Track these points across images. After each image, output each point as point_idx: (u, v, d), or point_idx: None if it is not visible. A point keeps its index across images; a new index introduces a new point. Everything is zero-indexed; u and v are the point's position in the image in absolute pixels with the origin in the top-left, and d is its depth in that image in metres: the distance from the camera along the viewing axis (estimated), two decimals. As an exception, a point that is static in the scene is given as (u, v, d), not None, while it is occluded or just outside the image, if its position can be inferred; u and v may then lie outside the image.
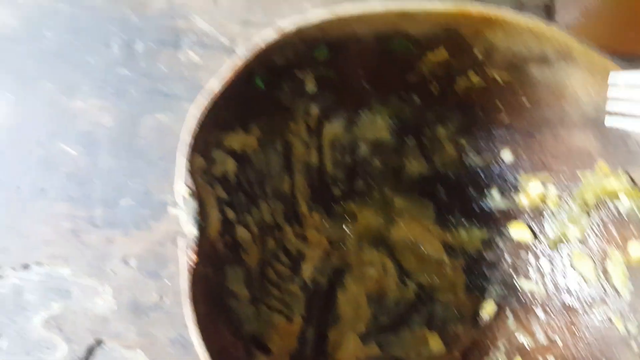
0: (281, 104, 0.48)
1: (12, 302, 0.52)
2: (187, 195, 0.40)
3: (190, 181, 0.40)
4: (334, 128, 0.52)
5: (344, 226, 0.53)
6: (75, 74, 0.59)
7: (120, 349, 0.52)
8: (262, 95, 0.43)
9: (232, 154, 0.46)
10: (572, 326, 0.46)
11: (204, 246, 0.39)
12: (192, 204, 0.40)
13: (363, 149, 0.53)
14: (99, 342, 0.53)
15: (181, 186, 0.39)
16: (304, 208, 0.52)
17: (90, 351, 0.52)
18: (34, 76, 0.58)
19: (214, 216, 0.43)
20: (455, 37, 0.42)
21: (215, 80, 0.39)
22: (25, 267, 0.53)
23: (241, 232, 0.47)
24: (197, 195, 0.40)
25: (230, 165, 0.46)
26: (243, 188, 0.47)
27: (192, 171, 0.40)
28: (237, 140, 0.46)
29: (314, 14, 0.39)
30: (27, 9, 0.60)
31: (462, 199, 0.54)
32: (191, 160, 0.40)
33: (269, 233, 0.49)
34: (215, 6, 0.60)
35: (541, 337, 0.48)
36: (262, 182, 0.49)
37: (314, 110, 0.50)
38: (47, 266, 0.54)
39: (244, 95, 0.42)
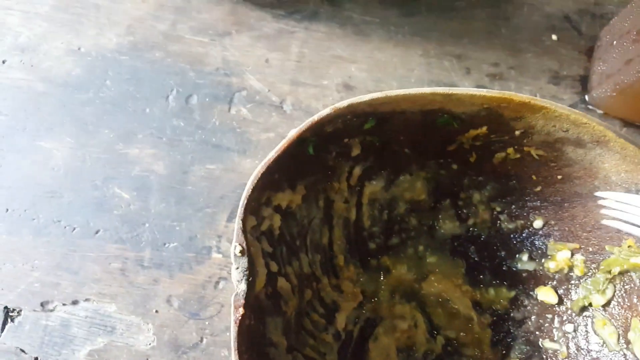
0: (327, 165, 0.51)
1: (60, 335, 0.55)
2: (238, 254, 0.42)
3: (242, 240, 0.42)
4: (373, 187, 0.55)
5: (378, 279, 0.55)
6: (133, 123, 0.62)
7: (161, 386, 0.53)
8: (311, 159, 0.46)
9: (279, 210, 0.48)
10: (593, 387, 0.46)
11: (249, 299, 0.41)
12: (243, 262, 0.42)
13: (400, 207, 0.56)
14: (140, 379, 0.53)
15: (235, 245, 0.41)
16: (340, 260, 0.54)
17: (132, 387, 0.53)
18: (94, 123, 0.62)
19: (261, 272, 0.45)
20: (497, 118, 0.44)
21: (272, 152, 0.42)
22: (74, 302, 0.56)
23: (282, 283, 0.49)
24: (248, 253, 0.42)
25: (276, 221, 0.48)
26: (286, 240, 0.50)
27: (245, 230, 0.42)
28: (284, 198, 0.49)
29: (366, 96, 0.42)
30: (90, 59, 0.64)
31: (492, 259, 0.56)
32: (244, 220, 0.42)
33: (307, 284, 0.51)
34: (268, 66, 0.64)
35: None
36: (303, 235, 0.52)
37: (357, 171, 0.53)
38: (94, 302, 0.56)
39: (295, 160, 0.44)
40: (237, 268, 0.42)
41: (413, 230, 0.56)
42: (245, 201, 0.42)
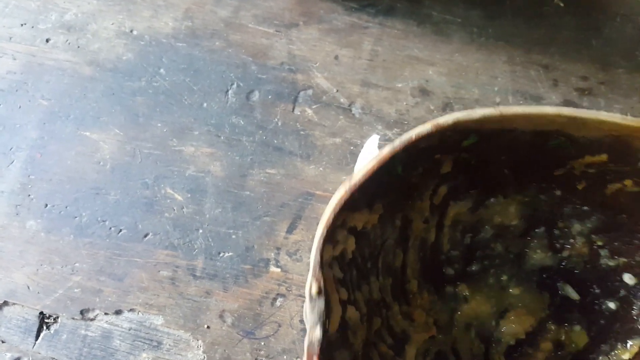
0: (410, 182, 0.48)
1: (100, 347, 0.52)
2: (315, 294, 0.38)
3: (320, 277, 0.38)
4: (459, 208, 0.52)
5: (452, 309, 0.52)
6: (189, 118, 0.60)
7: (211, 411, 0.50)
8: (395, 176, 0.45)
9: (353, 231, 0.45)
10: None
11: (322, 344, 0.38)
12: (320, 303, 0.38)
13: (486, 232, 0.53)
14: (187, 401, 0.51)
15: (311, 282, 0.38)
16: (413, 286, 0.51)
17: (178, 410, 0.51)
18: (146, 114, 0.60)
19: (336, 310, 0.42)
20: (622, 147, 0.41)
21: (359, 172, 0.40)
22: (118, 312, 0.53)
23: (351, 313, 0.45)
24: (325, 292, 0.38)
25: (350, 244, 0.45)
26: (357, 263, 0.47)
27: (322, 264, 0.39)
28: (361, 219, 0.46)
29: (476, 111, 0.40)
30: (143, 43, 0.62)
31: (583, 297, 0.53)
32: (322, 252, 0.39)
33: (377, 311, 0.48)
34: (337, 63, 0.62)
35: None
36: (375, 256, 0.49)
37: (443, 189, 0.50)
38: (140, 313, 0.54)
39: (378, 178, 0.43)
40: (313, 310, 0.37)
41: (497, 257, 0.53)
42: (326, 230, 0.39)
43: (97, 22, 0.62)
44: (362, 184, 0.40)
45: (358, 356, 0.45)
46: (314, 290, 0.38)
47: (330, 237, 0.41)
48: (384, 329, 0.48)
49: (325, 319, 0.38)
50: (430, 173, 0.48)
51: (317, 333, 0.37)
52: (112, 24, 0.62)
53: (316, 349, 0.37)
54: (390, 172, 0.43)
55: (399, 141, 0.41)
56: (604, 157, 0.45)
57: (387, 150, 0.41)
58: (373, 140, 0.52)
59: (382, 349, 0.47)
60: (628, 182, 0.46)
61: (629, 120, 0.40)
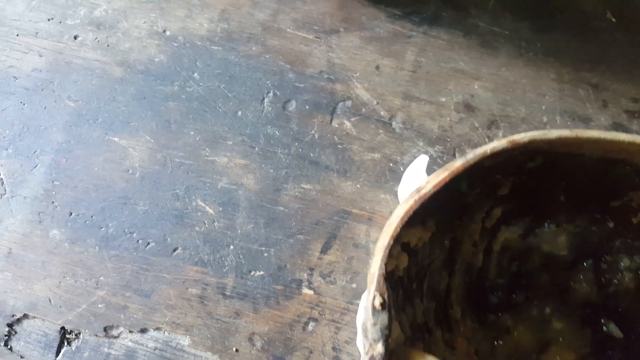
0: (465, 201, 0.46)
1: (123, 367, 0.49)
2: (378, 306, 0.36)
3: (384, 290, 0.37)
4: (510, 233, 0.50)
5: (494, 339, 0.50)
6: (222, 126, 0.59)
7: None
8: (459, 194, 0.44)
9: (406, 248, 0.43)
10: None
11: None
12: (383, 318, 0.36)
13: (534, 261, 0.51)
14: None
15: (374, 295, 0.36)
16: (457, 312, 0.50)
17: None
18: (178, 121, 0.58)
19: (396, 329, 0.40)
20: None
21: (428, 184, 0.38)
22: (143, 330, 0.52)
23: (395, 333, 0.42)
24: (388, 306, 0.37)
25: (403, 261, 0.43)
26: (403, 283, 0.45)
27: (386, 277, 0.37)
28: (415, 235, 0.44)
29: (552, 132, 0.38)
30: (177, 45, 0.60)
31: (627, 335, 0.51)
32: (387, 264, 0.37)
33: (419, 335, 0.46)
34: (378, 74, 0.60)
35: None
36: (421, 277, 0.47)
37: (496, 212, 0.49)
38: (166, 333, 0.52)
39: (443, 196, 0.41)
40: (375, 325, 0.36)
41: (542, 288, 0.51)
42: (391, 243, 0.38)
43: (128, 19, 0.60)
44: (430, 197, 0.39)
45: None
46: (377, 303, 0.36)
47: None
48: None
49: (389, 335, 0.37)
50: (487, 193, 0.46)
51: (380, 349, 0.36)
52: (144, 22, 0.60)
53: None
54: (455, 188, 0.42)
55: (473, 155, 0.39)
56: None
57: (460, 163, 0.39)
58: (421, 160, 0.50)
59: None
60: None
61: None
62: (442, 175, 0.39)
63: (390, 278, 0.42)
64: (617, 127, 0.60)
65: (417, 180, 0.51)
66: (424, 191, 0.39)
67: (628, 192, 0.46)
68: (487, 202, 0.48)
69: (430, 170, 0.50)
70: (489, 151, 0.40)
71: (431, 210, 0.42)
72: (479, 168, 0.41)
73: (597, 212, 0.49)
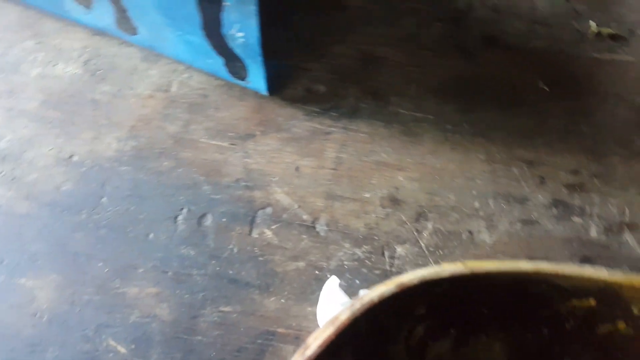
0: (382, 331, 0.45)
1: None
2: None
3: None
4: (439, 348, 0.48)
5: None
6: (132, 253, 0.58)
7: None
8: (362, 333, 0.42)
9: None
10: None
11: None
12: None
13: None
14: None
15: None
16: None
17: None
18: (86, 253, 0.58)
19: None
20: (611, 295, 0.39)
21: (315, 342, 0.37)
22: None
23: None
24: None
25: None
26: None
27: None
28: None
29: (445, 269, 0.38)
30: (85, 169, 0.59)
31: None
32: None
33: None
34: (298, 176, 0.60)
35: None
36: None
37: (419, 331, 0.47)
38: None
39: (342, 342, 0.40)
40: None
41: None
42: None
43: (34, 148, 0.59)
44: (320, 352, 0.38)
45: None
46: None
47: None
48: None
49: None
50: (403, 318, 0.45)
51: None
52: (51, 149, 0.59)
53: None
54: (354, 332, 0.41)
55: (360, 304, 0.39)
56: (592, 302, 0.43)
57: (346, 316, 0.38)
58: (332, 282, 0.47)
59: None
60: (621, 325, 0.44)
61: (616, 276, 0.39)
62: (327, 331, 0.38)
63: None
64: (557, 203, 0.59)
65: (332, 305, 0.50)
66: (308, 353, 0.38)
67: (553, 305, 0.45)
68: (405, 324, 0.46)
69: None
70: (376, 299, 0.39)
71: (336, 350, 0.41)
72: (375, 309, 0.41)
73: (528, 321, 0.47)
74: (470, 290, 0.44)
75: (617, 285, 0.41)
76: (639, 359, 0.47)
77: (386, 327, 0.45)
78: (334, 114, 0.64)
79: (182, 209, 0.60)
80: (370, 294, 0.39)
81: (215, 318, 0.56)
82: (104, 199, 0.60)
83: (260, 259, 0.58)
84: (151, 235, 0.59)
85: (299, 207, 0.60)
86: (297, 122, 0.63)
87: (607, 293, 0.42)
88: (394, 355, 0.47)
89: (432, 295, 0.44)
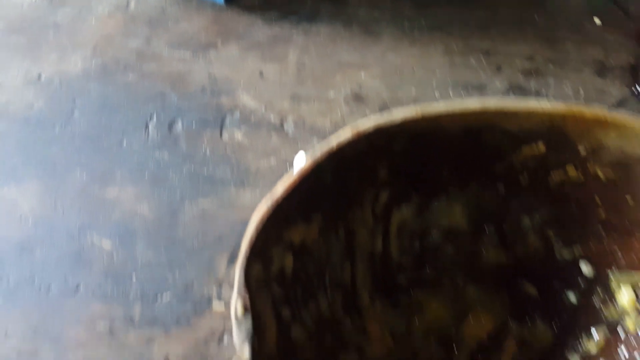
0: (347, 191, 0.53)
1: (41, 414, 0.56)
2: (240, 312, 0.42)
3: (245, 295, 0.41)
4: (403, 214, 0.57)
5: (409, 319, 0.58)
6: (108, 160, 0.67)
7: None
8: (328, 185, 0.47)
9: (292, 247, 0.50)
10: None
11: None
12: (247, 323, 0.42)
13: (434, 236, 0.59)
14: None
15: (236, 302, 0.42)
16: (365, 299, 0.57)
17: None
18: (64, 163, 0.67)
19: (271, 326, 0.47)
20: (557, 134, 0.45)
21: (280, 185, 0.43)
22: None
23: (296, 333, 0.51)
24: (253, 309, 0.43)
25: (288, 261, 0.50)
26: (301, 281, 0.52)
27: (249, 282, 0.43)
28: (297, 233, 0.48)
29: (397, 113, 0.43)
30: (53, 88, 0.69)
31: (542, 293, 0.59)
32: (247, 270, 0.43)
33: (327, 328, 0.54)
34: (263, 80, 0.70)
35: None
36: (321, 272, 0.54)
37: (383, 196, 0.56)
38: None
39: (309, 189, 0.45)
40: (240, 329, 0.42)
41: (450, 260, 0.59)
42: (248, 249, 0.44)
43: (2, 71, 0.70)
44: (287, 197, 0.46)
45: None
46: (239, 310, 0.42)
47: (259, 254, 0.46)
48: (337, 347, 0.54)
49: (254, 338, 0.43)
50: (367, 180, 0.53)
51: (245, 353, 0.42)
52: (19, 71, 0.70)
53: None
54: (319, 182, 0.49)
55: (320, 151, 0.46)
56: (541, 146, 0.51)
57: (309, 162, 0.46)
58: (300, 156, 0.56)
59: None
60: (570, 170, 0.52)
61: (557, 107, 0.45)
62: (293, 177, 0.46)
63: (281, 279, 0.50)
64: (513, 89, 0.69)
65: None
66: (274, 196, 0.45)
67: (505, 155, 0.53)
68: (370, 189, 0.54)
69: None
70: (335, 145, 0.46)
71: (306, 207, 0.50)
72: (342, 159, 0.49)
73: (485, 179, 0.56)
74: (428, 148, 0.51)
75: (561, 120, 0.47)
76: (590, 206, 0.55)
77: (352, 189, 0.53)
78: (294, 19, 0.70)
79: (152, 117, 0.68)
80: (329, 141, 0.46)
81: (195, 212, 0.64)
82: (76, 113, 0.68)
83: (233, 158, 0.66)
84: (125, 143, 0.67)
85: (266, 109, 0.68)
86: (257, 28, 0.70)
87: (554, 133, 0.48)
88: (362, 219, 0.55)
89: (392, 154, 0.51)
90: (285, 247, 0.49)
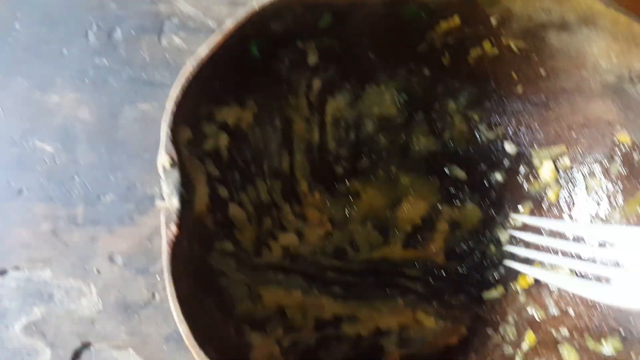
0: (280, 77, 0.52)
1: (-10, 311, 0.59)
2: (168, 166, 0.43)
3: (172, 151, 0.42)
4: (337, 103, 0.60)
5: (346, 206, 0.62)
6: (49, 67, 0.68)
7: (110, 349, 0.61)
8: (259, 67, 0.49)
9: (226, 128, 0.50)
10: (586, 296, 0.46)
11: (189, 221, 0.43)
12: (175, 175, 0.43)
13: (368, 126, 0.61)
14: (85, 345, 0.62)
15: (163, 156, 0.42)
16: (304, 187, 0.60)
17: (77, 354, 0.61)
18: (5, 72, 0.68)
19: (202, 191, 0.49)
20: (470, 4, 0.47)
21: (204, 46, 0.43)
22: (2, 272, 0.63)
23: (235, 211, 0.54)
24: (181, 166, 0.43)
25: (223, 141, 0.50)
26: (238, 165, 0.55)
27: (177, 142, 0.43)
28: (231, 114, 0.50)
29: None
30: None
31: (471, 175, 0.63)
32: (175, 130, 0.43)
33: (266, 212, 0.57)
34: None
35: (553, 309, 0.56)
36: (259, 159, 0.56)
37: (317, 84, 0.58)
38: (26, 270, 0.63)
39: (239, 65, 0.47)
40: (167, 181, 0.42)
41: (384, 150, 0.62)
42: (175, 107, 0.44)
43: None
44: (213, 60, 0.47)
45: (249, 253, 0.54)
46: (166, 162, 0.44)
47: (189, 122, 0.48)
48: (276, 229, 0.58)
49: (185, 194, 0.46)
50: (299, 65, 0.55)
51: (174, 202, 0.44)
52: None
53: (174, 218, 0.44)
54: (247, 56, 0.51)
55: (244, 12, 0.47)
56: (457, 20, 0.53)
57: (232, 23, 0.47)
58: None
59: (274, 247, 0.57)
60: (486, 45, 0.55)
61: None
62: (217, 37, 0.47)
63: (216, 159, 0.52)
64: None
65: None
66: (200, 55, 0.47)
67: (426, 33, 0.55)
68: (303, 76, 0.57)
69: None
70: (257, 8, 0.47)
71: (238, 88, 0.52)
72: (268, 33, 0.50)
73: (410, 62, 0.58)
74: (352, 26, 0.53)
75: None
76: (508, 82, 0.57)
77: (284, 75, 0.55)
78: None
79: (91, 26, 0.68)
80: (252, 6, 0.47)
81: (135, 115, 0.66)
82: (17, 25, 0.69)
83: (172, 62, 0.68)
84: (65, 51, 0.69)
85: (204, 14, 0.69)
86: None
87: (466, 4, 0.50)
88: (297, 108, 0.57)
89: (318, 32, 0.53)
90: (218, 127, 0.52)
